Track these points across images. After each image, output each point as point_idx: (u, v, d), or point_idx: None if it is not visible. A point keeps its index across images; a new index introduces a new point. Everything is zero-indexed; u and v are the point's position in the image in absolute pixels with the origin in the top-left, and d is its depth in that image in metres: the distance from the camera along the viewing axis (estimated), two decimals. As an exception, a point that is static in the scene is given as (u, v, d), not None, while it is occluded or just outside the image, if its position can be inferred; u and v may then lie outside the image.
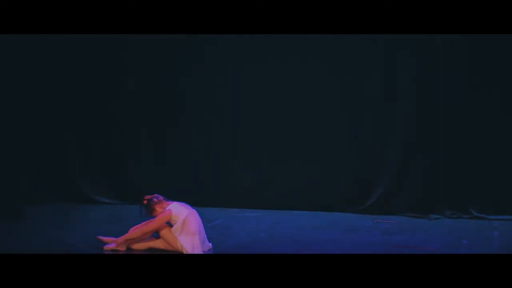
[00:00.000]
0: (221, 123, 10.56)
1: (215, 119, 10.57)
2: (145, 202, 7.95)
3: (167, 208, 7.82)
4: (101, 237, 8.08)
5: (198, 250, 7.70)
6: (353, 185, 10.23)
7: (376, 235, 8.86)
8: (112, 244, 7.93)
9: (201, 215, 7.93)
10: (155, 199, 7.91)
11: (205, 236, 7.91)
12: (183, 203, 7.95)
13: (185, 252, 7.67)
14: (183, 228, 7.73)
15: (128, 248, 7.90)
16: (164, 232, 7.81)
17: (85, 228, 9.07)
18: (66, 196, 10.69)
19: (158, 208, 7.86)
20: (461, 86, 9.82)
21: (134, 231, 7.88)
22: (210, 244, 7.95)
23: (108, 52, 10.64)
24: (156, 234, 7.91)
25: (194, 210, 7.91)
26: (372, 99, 10.12)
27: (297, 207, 10.27)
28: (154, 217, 7.89)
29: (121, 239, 7.90)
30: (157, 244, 7.88)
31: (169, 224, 7.83)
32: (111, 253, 7.82)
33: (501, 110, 9.80)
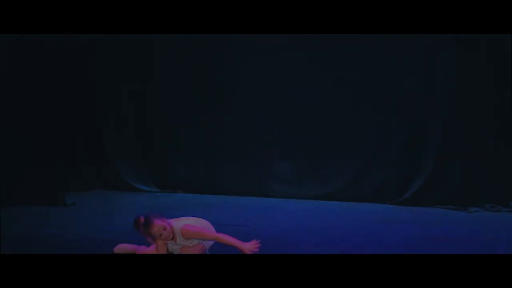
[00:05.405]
0: (259, 113, 10.61)
1: (252, 110, 10.64)
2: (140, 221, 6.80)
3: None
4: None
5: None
6: (392, 176, 10.22)
7: (414, 227, 8.84)
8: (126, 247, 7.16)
9: (236, 203, 7.65)
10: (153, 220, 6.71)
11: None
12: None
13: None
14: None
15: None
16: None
17: (126, 216, 9.18)
18: (106, 183, 10.85)
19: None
20: (498, 85, 9.74)
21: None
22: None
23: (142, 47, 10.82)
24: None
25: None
26: (411, 94, 10.08)
27: (334, 197, 10.32)
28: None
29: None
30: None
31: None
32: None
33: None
